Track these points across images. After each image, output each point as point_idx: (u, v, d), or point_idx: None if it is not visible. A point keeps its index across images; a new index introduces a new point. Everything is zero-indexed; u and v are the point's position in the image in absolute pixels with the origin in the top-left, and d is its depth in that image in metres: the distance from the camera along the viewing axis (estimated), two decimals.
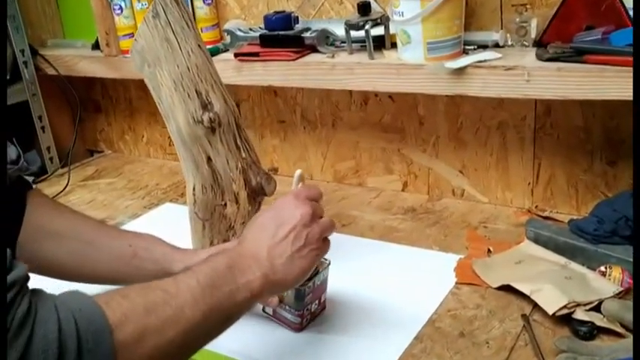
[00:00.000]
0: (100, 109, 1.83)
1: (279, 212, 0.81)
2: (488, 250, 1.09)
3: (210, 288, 0.69)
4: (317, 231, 0.81)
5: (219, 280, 0.71)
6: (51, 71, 1.66)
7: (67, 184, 1.59)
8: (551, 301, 0.89)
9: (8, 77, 1.63)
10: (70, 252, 0.90)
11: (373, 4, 1.22)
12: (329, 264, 0.95)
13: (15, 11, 1.60)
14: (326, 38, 1.25)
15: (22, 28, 1.62)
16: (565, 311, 0.88)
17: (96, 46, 1.58)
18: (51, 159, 1.74)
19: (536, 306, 0.92)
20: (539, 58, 1.04)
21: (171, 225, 1.28)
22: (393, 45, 1.19)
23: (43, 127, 1.71)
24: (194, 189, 1.03)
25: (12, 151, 1.67)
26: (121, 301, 0.63)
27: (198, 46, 0.99)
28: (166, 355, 0.64)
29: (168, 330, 0.64)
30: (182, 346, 0.66)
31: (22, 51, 1.63)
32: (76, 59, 1.61)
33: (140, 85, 1.02)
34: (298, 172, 0.90)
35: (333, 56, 1.22)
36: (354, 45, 1.21)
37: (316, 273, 0.92)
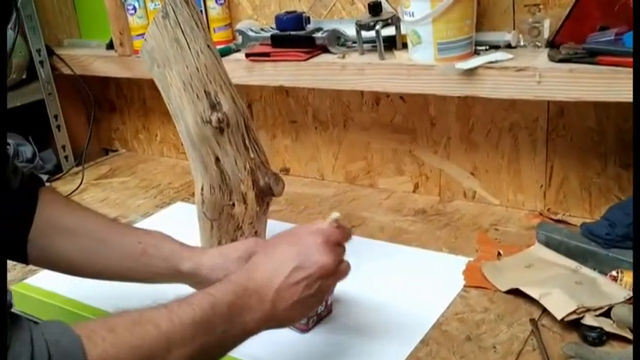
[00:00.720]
0: (115, 109, 1.85)
1: (302, 251, 0.76)
2: (499, 253, 1.08)
3: (205, 327, 0.67)
4: (330, 284, 0.78)
5: (216, 320, 0.69)
6: (66, 71, 1.68)
7: (81, 183, 1.60)
8: (560, 305, 0.88)
9: (24, 77, 1.65)
10: (81, 248, 0.91)
11: (384, 5, 1.22)
12: None
13: (32, 11, 1.62)
14: (337, 38, 1.25)
15: (38, 28, 1.64)
16: (574, 316, 0.86)
17: (110, 45, 1.60)
18: (66, 157, 1.76)
19: (545, 311, 0.91)
20: (551, 59, 1.03)
21: (182, 224, 1.29)
22: (404, 45, 1.18)
23: (58, 126, 1.73)
24: (202, 189, 1.03)
25: (28, 150, 1.69)
26: (106, 335, 0.60)
27: (208, 46, 1.00)
28: None
29: None
30: None
31: (39, 51, 1.65)
32: (91, 59, 1.63)
33: (154, 84, 1.03)
34: (336, 214, 0.83)
35: (343, 56, 1.22)
36: (365, 45, 1.21)
37: None
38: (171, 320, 0.65)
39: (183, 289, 1.03)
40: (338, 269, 0.78)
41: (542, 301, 0.91)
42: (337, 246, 0.79)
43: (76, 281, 1.11)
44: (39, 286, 1.12)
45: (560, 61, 1.00)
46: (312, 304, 0.77)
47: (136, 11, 1.49)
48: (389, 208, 1.33)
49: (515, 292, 0.96)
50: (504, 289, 0.97)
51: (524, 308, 0.93)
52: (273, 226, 1.17)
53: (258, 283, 0.74)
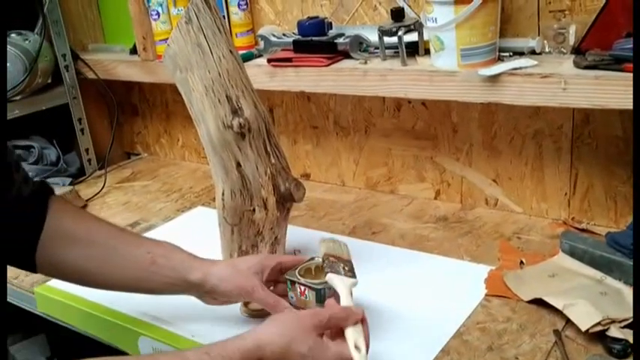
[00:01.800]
0: (138, 113, 1.86)
1: (315, 351, 0.75)
2: (521, 262, 1.06)
3: None
4: None
5: None
6: (91, 75, 1.70)
7: (104, 186, 1.62)
8: (585, 316, 0.86)
9: (50, 81, 1.67)
10: (91, 257, 0.91)
11: (407, 10, 1.21)
12: None
13: (58, 17, 1.64)
14: (359, 44, 1.25)
15: (64, 33, 1.66)
16: (599, 328, 0.85)
17: (134, 50, 1.61)
18: (89, 161, 1.78)
19: (568, 321, 0.89)
20: (576, 65, 1.01)
21: (203, 228, 1.30)
22: (427, 51, 1.17)
23: (82, 130, 1.75)
24: (223, 194, 1.04)
25: (52, 153, 1.71)
26: None
27: (230, 51, 1.00)
28: None
29: None
30: None
31: (64, 55, 1.67)
32: (115, 63, 1.64)
33: (176, 89, 1.03)
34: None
35: (365, 62, 1.22)
36: (387, 51, 1.20)
37: None
38: None
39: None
40: None
41: (566, 312, 0.89)
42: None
43: (87, 291, 1.12)
44: (63, 289, 1.13)
45: (586, 67, 0.99)
46: None
47: (159, 16, 1.50)
48: (410, 214, 1.32)
49: (539, 302, 0.94)
50: (527, 299, 0.96)
51: (548, 319, 0.92)
52: (294, 232, 1.17)
53: None
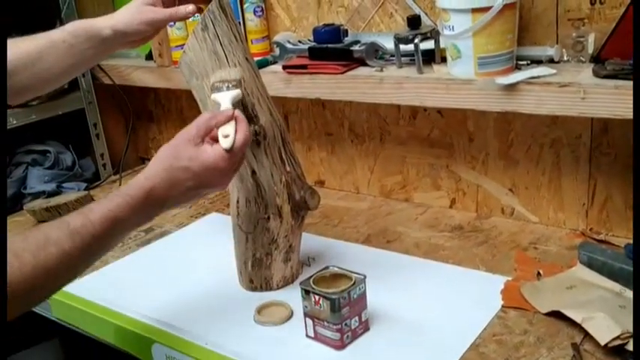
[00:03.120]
0: (153, 118, 1.87)
1: (204, 176, 0.84)
2: (538, 273, 1.05)
3: (104, 242, 0.80)
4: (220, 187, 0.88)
5: (115, 234, 0.81)
6: (107, 80, 1.71)
7: None
8: (604, 330, 0.85)
9: (66, 86, 1.68)
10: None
11: (423, 18, 1.21)
12: (364, 278, 0.93)
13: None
14: (375, 52, 1.24)
15: None
16: (618, 342, 0.83)
17: (149, 56, 1.62)
18: (104, 166, 1.79)
19: (587, 335, 0.88)
20: (596, 74, 1.00)
21: (217, 235, 1.30)
22: (443, 59, 1.16)
23: (97, 135, 1.76)
24: (238, 202, 1.03)
25: (68, 158, 1.72)
26: (12, 261, 0.71)
27: (246, 58, 1.00)
28: (52, 294, 0.81)
29: (56, 283, 0.79)
30: (67, 282, 0.81)
31: None
32: (130, 69, 1.65)
33: (191, 95, 1.04)
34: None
35: (381, 70, 1.21)
36: (403, 59, 1.20)
37: (352, 285, 0.91)
38: (73, 240, 0.76)
39: (211, 294, 1.03)
40: (232, 176, 0.89)
41: (584, 325, 0.88)
42: (235, 162, 0.86)
43: (118, 292, 1.13)
44: (78, 295, 1.13)
45: (606, 77, 0.98)
46: (199, 198, 0.91)
47: (175, 23, 1.50)
48: (424, 223, 1.31)
49: (556, 315, 0.93)
50: (545, 311, 0.94)
51: (566, 332, 0.90)
52: (308, 240, 1.17)
53: (155, 197, 0.83)
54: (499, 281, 1.04)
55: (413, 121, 1.35)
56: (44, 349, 1.67)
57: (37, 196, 1.59)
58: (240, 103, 0.93)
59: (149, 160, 0.88)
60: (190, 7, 1.00)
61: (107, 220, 0.79)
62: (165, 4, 1.04)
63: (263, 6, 1.45)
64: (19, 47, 1.02)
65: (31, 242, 0.74)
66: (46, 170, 1.65)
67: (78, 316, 1.13)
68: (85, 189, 1.64)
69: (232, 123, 0.86)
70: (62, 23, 1.57)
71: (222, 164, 0.84)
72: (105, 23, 1.03)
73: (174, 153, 0.84)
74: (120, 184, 1.65)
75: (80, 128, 1.74)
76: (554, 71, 1.04)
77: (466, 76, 1.09)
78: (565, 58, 1.10)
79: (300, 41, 1.36)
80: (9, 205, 1.60)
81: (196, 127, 0.86)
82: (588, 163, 1.16)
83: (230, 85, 0.93)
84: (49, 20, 1.65)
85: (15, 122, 1.56)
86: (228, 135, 0.84)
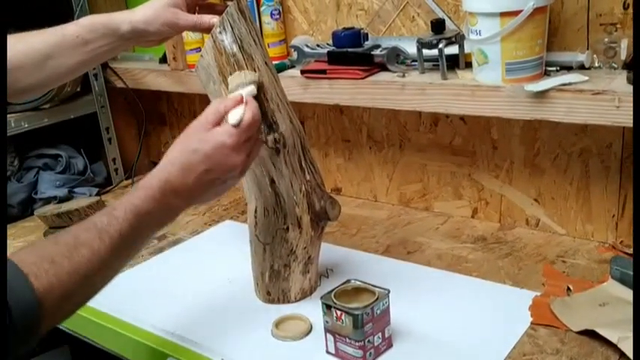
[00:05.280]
0: (165, 122, 1.84)
1: (214, 156, 0.82)
2: (568, 289, 1.01)
3: (132, 236, 0.77)
4: (237, 175, 0.85)
5: (142, 227, 0.78)
6: (119, 84, 1.68)
7: None
8: None
9: (79, 89, 1.66)
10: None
11: (447, 22, 1.17)
12: (388, 293, 0.89)
13: None
14: (396, 56, 1.20)
15: None
16: None
17: (163, 59, 1.59)
18: (116, 170, 1.76)
19: (623, 355, 0.83)
20: (630, 81, 0.96)
21: (231, 242, 1.27)
22: (468, 65, 1.13)
23: (109, 139, 1.73)
24: (256, 211, 1.00)
25: (79, 162, 1.69)
26: (48, 267, 0.68)
27: (265, 63, 0.96)
28: (87, 300, 0.76)
29: (90, 287, 0.74)
30: (101, 286, 0.77)
31: None
32: (144, 73, 1.62)
33: (205, 99, 1.00)
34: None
35: (403, 75, 1.17)
36: (425, 64, 1.16)
37: (375, 300, 0.87)
38: (102, 239, 0.74)
39: (227, 306, 1.00)
40: (247, 161, 0.86)
41: (620, 346, 0.84)
42: (246, 142, 0.84)
43: (131, 303, 1.09)
44: (90, 306, 1.09)
45: None
46: (220, 191, 0.87)
47: None
48: (446, 233, 1.27)
49: (590, 334, 0.88)
50: (577, 330, 0.90)
51: (600, 351, 0.86)
52: (325, 249, 1.13)
53: (172, 185, 0.81)
54: (527, 296, 1.00)
55: (434, 128, 1.31)
56: (54, 357, 1.65)
57: (48, 201, 1.56)
58: (255, 99, 0.90)
59: None
60: (215, 20, 0.96)
61: (131, 214, 0.77)
62: (187, 8, 1.01)
63: (280, 9, 1.42)
64: (28, 43, 0.98)
65: (62, 246, 0.72)
66: (58, 175, 1.62)
67: (88, 327, 1.10)
68: (96, 194, 1.61)
69: (242, 105, 0.85)
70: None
71: (229, 140, 0.82)
72: (124, 18, 0.99)
73: (185, 140, 0.84)
74: None
75: (92, 132, 1.71)
76: (586, 78, 1.00)
77: (493, 82, 1.05)
78: (596, 65, 1.06)
79: (318, 45, 1.32)
80: (19, 210, 1.58)
81: (205, 114, 0.85)
82: (619, 174, 1.11)
83: (244, 85, 0.90)
84: (62, 22, 1.62)
85: (27, 126, 1.53)
86: (234, 117, 0.84)
